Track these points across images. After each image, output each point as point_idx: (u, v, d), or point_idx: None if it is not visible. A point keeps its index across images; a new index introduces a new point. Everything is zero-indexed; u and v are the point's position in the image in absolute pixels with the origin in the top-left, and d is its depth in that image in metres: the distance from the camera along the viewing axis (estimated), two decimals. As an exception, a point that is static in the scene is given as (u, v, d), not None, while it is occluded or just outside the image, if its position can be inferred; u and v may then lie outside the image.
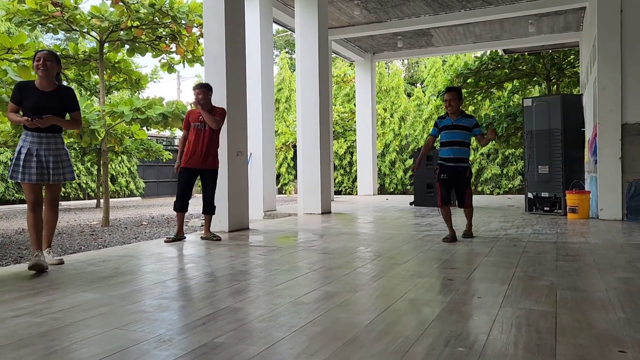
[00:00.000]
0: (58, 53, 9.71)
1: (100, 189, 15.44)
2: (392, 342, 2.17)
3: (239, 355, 2.04)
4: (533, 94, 16.64)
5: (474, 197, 5.67)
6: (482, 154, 18.56)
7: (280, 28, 24.00)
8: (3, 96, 6.07)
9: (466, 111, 17.27)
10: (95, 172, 19.99)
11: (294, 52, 31.02)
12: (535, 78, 14.92)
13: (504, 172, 18.32)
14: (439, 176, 5.42)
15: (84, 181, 20.36)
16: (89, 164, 19.92)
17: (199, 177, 5.67)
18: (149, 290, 3.24)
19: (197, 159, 5.48)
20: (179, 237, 5.61)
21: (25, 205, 16.37)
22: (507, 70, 14.50)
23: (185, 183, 5.56)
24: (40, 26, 9.04)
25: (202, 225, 8.63)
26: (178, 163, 5.57)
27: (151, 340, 2.22)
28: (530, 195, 8.66)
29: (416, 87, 23.78)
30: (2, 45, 5.51)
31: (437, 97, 15.62)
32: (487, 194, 18.28)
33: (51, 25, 9.05)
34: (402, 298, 2.94)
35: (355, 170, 19.33)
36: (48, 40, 28.75)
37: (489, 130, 5.20)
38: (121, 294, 3.12)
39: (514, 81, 15.59)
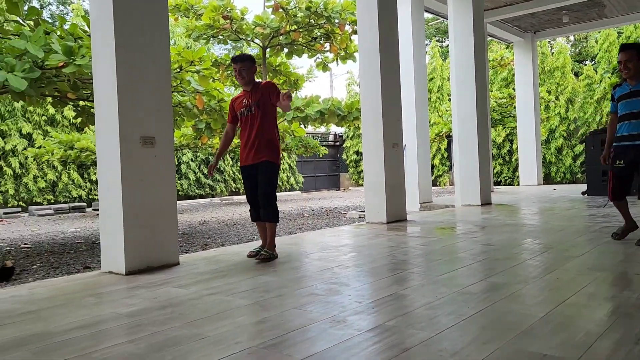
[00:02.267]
0: (228, 62, 10.83)
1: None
2: (572, 336, 2.05)
3: (411, 338, 2.11)
4: None
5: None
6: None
7: (430, 16, 23.48)
8: (187, 104, 6.92)
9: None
10: (260, 169, 21.75)
11: (445, 39, 30.09)
12: None
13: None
14: (613, 163, 4.40)
15: (251, 177, 22.24)
16: (254, 162, 21.74)
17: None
18: (319, 275, 3.47)
19: (248, 153, 4.22)
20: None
21: (205, 199, 18.13)
22: (702, 36, 12.38)
23: (250, 186, 4.28)
24: (212, 38, 10.12)
25: (360, 217, 8.86)
26: (213, 162, 4.38)
27: (326, 320, 2.40)
28: None
29: (585, 64, 21.51)
30: (187, 58, 6.29)
31: (612, 74, 13.95)
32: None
33: (221, 37, 10.08)
34: (580, 292, 2.74)
35: (516, 159, 18.17)
36: (218, 51, 31.87)
37: None
38: (294, 278, 3.40)
39: None
